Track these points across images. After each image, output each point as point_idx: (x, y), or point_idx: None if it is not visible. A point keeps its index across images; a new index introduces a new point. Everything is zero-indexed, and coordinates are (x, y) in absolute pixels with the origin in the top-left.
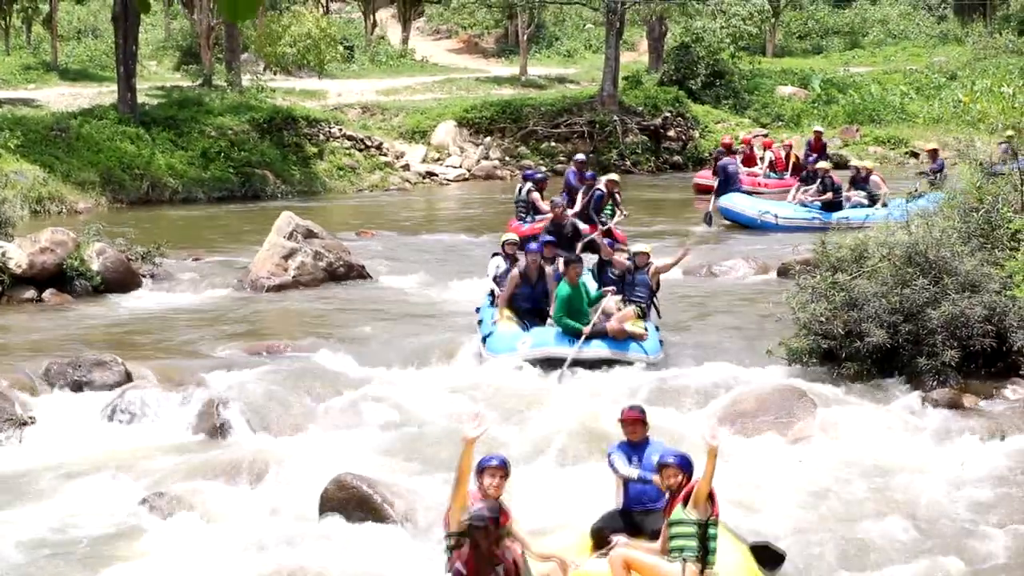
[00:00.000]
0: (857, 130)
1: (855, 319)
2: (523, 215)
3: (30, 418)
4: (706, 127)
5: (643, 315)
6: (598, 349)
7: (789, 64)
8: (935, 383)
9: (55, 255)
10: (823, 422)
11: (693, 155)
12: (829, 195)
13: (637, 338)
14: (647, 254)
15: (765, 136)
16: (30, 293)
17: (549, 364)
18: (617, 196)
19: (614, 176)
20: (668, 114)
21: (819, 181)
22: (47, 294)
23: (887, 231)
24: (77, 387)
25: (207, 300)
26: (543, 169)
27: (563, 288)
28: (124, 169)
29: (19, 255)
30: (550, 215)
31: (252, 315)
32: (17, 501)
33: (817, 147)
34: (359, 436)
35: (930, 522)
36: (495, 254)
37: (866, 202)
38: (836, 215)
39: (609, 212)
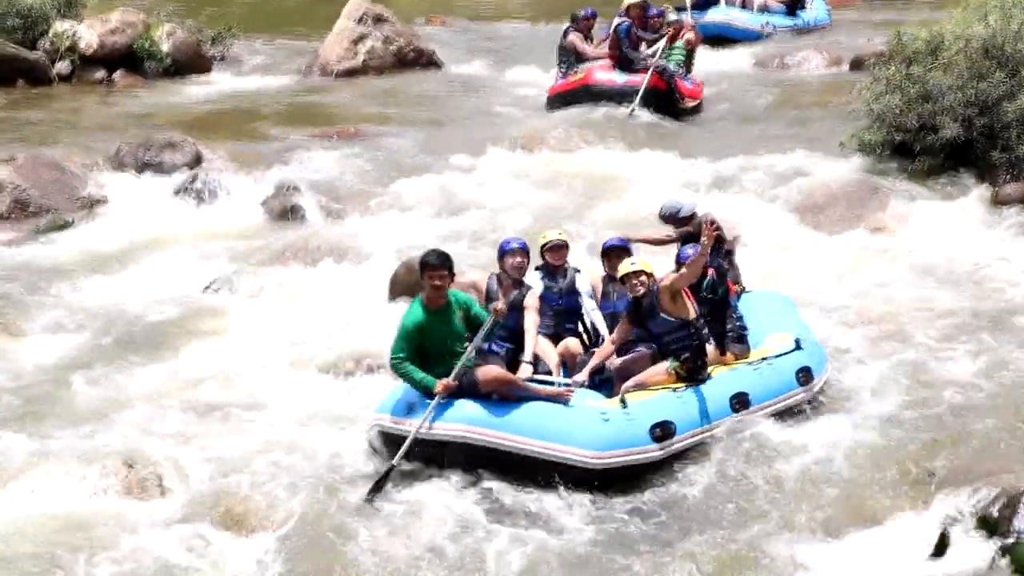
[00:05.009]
0: None
1: (929, 112)
2: (564, 64)
3: (102, 198)
4: None
5: (694, 369)
6: (476, 428)
7: None
8: (1008, 177)
9: (125, 36)
10: (895, 215)
11: None
12: None
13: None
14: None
15: None
16: (100, 74)
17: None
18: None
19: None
20: None
21: None
22: (117, 75)
23: (964, 23)
24: (149, 167)
25: (277, 84)
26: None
27: (410, 312)
28: None
29: (89, 35)
30: (598, 61)
31: (322, 99)
32: (89, 279)
33: None
34: (429, 220)
35: (999, 317)
36: (537, 267)
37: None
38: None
39: (681, 53)
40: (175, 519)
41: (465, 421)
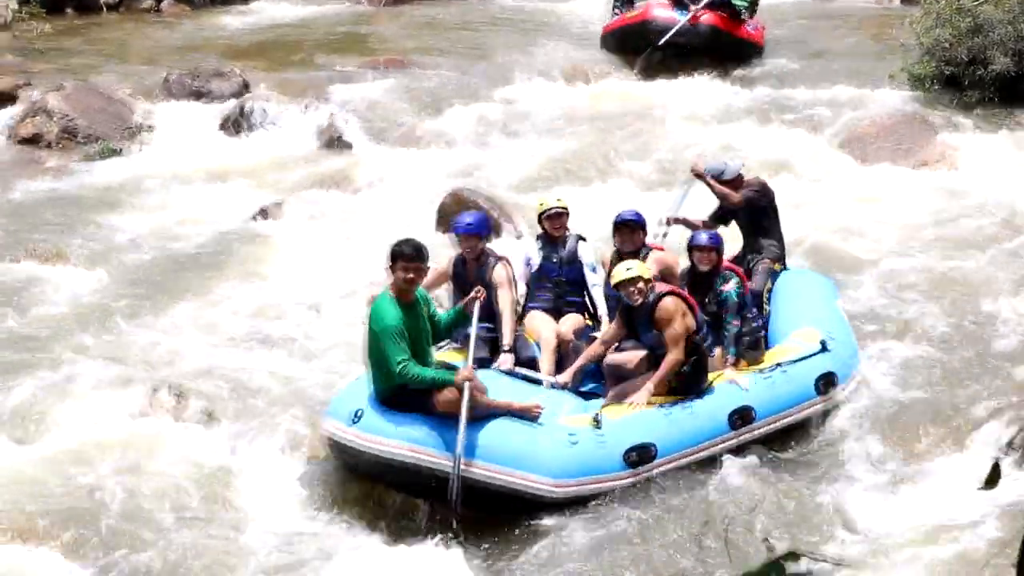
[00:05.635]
0: None
1: (979, 45)
2: (618, 3)
3: (149, 126)
4: None
5: (689, 382)
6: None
7: None
8: None
9: None
10: (942, 149)
11: None
12: None
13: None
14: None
15: None
16: (148, 2)
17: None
18: None
19: None
20: None
21: None
22: (165, 3)
23: None
24: (196, 96)
25: (324, 12)
26: None
27: (386, 309)
28: None
29: None
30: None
31: (369, 29)
32: (136, 207)
33: None
34: (479, 151)
35: None
36: (538, 236)
37: None
38: None
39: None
40: (217, 444)
41: (412, 440)
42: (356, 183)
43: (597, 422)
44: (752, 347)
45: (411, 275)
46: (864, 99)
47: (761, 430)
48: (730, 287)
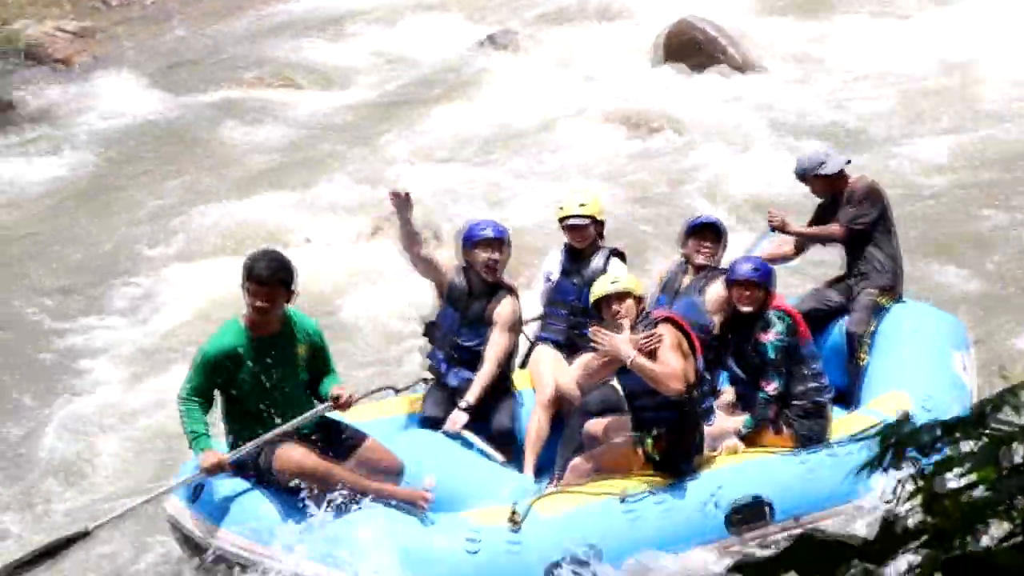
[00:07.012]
0: None
1: None
2: None
3: None
4: None
5: (673, 455)
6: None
7: None
8: None
9: None
10: None
11: None
12: None
13: None
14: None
15: None
16: None
17: None
18: None
19: None
20: None
21: None
22: None
23: None
24: None
25: None
26: None
27: (219, 334)
28: None
29: None
30: None
31: None
32: (364, 33)
33: None
34: None
35: None
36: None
37: None
38: None
39: None
40: None
41: (234, 524)
42: (579, 13)
43: (515, 520)
44: (805, 416)
45: (260, 302)
46: None
47: (779, 535)
48: (770, 337)
